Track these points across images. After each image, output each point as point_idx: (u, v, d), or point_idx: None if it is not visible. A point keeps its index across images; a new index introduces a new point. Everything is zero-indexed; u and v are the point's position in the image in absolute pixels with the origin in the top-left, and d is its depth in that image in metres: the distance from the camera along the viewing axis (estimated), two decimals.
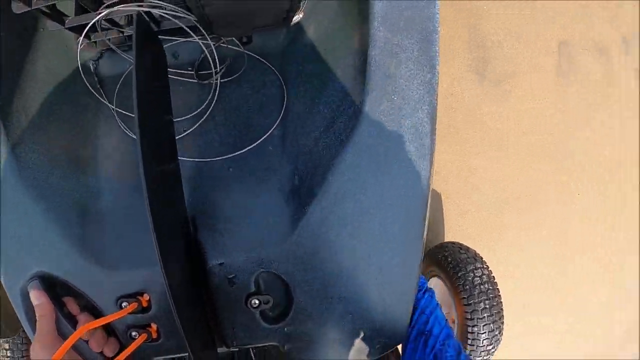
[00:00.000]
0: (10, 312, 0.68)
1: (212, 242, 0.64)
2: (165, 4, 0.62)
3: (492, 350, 1.22)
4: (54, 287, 0.64)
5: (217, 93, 0.70)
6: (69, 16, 0.65)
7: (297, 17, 0.68)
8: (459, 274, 1.25)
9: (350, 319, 0.64)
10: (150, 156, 0.49)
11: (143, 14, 0.62)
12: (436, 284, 1.44)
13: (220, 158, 0.67)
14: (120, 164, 0.70)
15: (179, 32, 0.67)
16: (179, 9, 0.63)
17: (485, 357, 1.23)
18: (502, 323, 1.22)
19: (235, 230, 0.64)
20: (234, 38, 0.70)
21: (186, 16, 0.64)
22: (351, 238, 0.61)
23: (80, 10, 0.66)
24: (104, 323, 0.60)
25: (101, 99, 0.72)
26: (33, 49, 0.71)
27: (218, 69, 0.69)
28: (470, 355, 1.20)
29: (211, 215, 0.65)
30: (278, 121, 0.67)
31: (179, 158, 0.64)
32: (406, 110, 0.59)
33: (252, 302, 0.63)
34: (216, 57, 0.68)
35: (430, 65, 0.59)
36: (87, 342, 0.62)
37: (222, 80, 0.70)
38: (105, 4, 0.63)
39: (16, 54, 0.68)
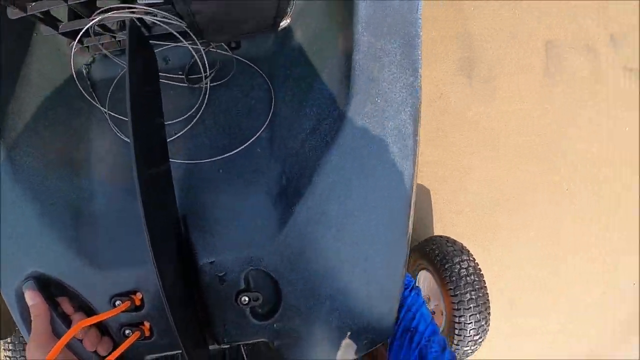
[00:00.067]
0: (6, 312, 0.70)
1: (202, 241, 0.67)
2: (156, 10, 0.65)
3: (479, 340, 1.26)
4: (49, 288, 0.66)
5: (206, 97, 0.73)
6: (62, 21, 0.68)
7: (284, 23, 0.71)
8: (446, 266, 1.30)
9: (338, 315, 0.67)
10: (143, 159, 0.52)
11: (135, 20, 0.66)
12: (425, 277, 1.48)
13: (210, 160, 0.70)
14: (113, 167, 0.72)
15: (169, 37, 0.70)
16: (170, 15, 0.66)
17: (472, 347, 1.27)
18: (489, 313, 1.26)
19: (225, 230, 0.67)
20: (223, 43, 0.73)
21: (177, 22, 0.67)
22: (337, 237, 0.64)
23: (73, 15, 0.69)
24: (98, 320, 0.62)
25: (94, 103, 0.75)
26: (27, 53, 0.74)
27: (208, 74, 0.72)
28: (458, 344, 1.25)
29: (202, 215, 0.68)
30: (266, 124, 0.70)
31: (170, 160, 0.67)
32: (389, 112, 0.62)
33: (242, 299, 0.66)
34: (206, 62, 0.72)
35: (412, 68, 0.63)
36: (81, 341, 0.64)
37: (211, 84, 0.73)
38: (99, 10, 0.66)
39: (13, 58, 0.70)
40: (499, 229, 1.91)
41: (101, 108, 0.74)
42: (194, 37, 0.69)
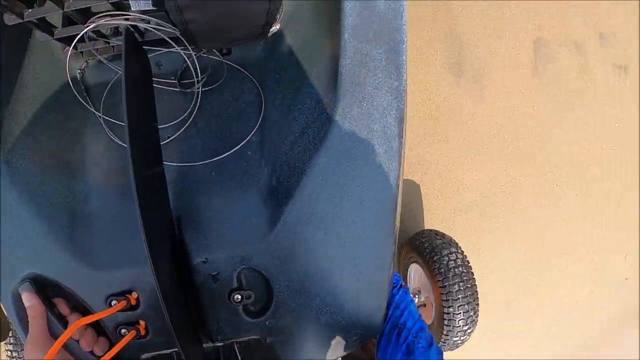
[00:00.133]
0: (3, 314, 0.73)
1: (196, 241, 0.69)
2: (150, 17, 0.68)
3: (469, 330, 1.30)
4: (45, 289, 0.68)
5: (198, 101, 0.76)
6: (57, 27, 0.71)
7: (273, 29, 0.75)
8: (435, 258, 1.35)
9: (328, 312, 0.70)
10: (139, 161, 0.55)
11: (130, 27, 0.69)
12: (416, 270, 1.53)
13: (202, 163, 0.73)
14: (107, 169, 0.75)
15: (162, 42, 0.73)
16: (164, 22, 0.69)
17: (462, 338, 1.31)
18: (477, 305, 1.31)
19: (217, 230, 0.70)
20: (214, 49, 0.77)
21: (170, 29, 0.70)
22: (326, 236, 0.67)
23: (67, 21, 0.72)
24: (95, 319, 0.65)
25: (88, 107, 0.78)
26: (22, 57, 0.76)
27: (200, 78, 0.75)
28: (447, 335, 1.29)
29: (195, 216, 0.71)
30: (256, 127, 0.73)
31: (164, 163, 0.70)
32: (375, 115, 0.65)
33: (235, 297, 0.69)
34: (197, 67, 0.75)
35: (397, 73, 0.66)
36: (77, 342, 0.67)
37: (203, 89, 0.76)
38: (94, 17, 0.69)
39: (9, 62, 0.73)
40: (483, 231, 1.94)
41: (95, 112, 0.77)
42: (186, 43, 0.72)
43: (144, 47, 0.72)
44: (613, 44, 2.15)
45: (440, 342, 1.36)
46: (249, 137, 0.73)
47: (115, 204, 0.72)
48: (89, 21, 0.69)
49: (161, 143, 0.71)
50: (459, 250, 1.39)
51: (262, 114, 0.74)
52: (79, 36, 0.69)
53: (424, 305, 1.52)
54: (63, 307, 0.68)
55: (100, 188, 0.74)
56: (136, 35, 0.72)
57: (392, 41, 0.66)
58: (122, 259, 0.68)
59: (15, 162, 0.70)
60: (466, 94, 1.95)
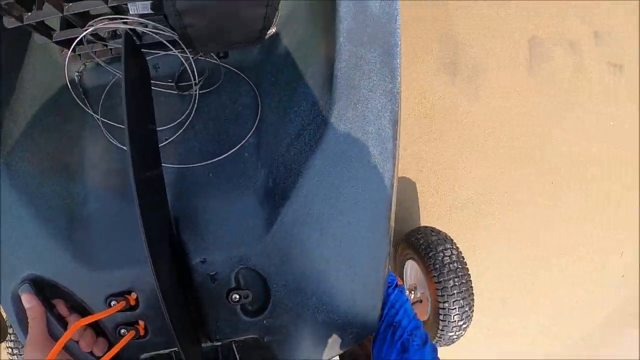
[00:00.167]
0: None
1: (194, 242, 0.71)
2: (149, 21, 0.70)
3: (464, 325, 1.33)
4: (44, 290, 0.69)
5: (196, 104, 0.78)
6: (55, 30, 0.72)
7: (270, 32, 0.76)
8: (430, 254, 1.37)
9: (324, 311, 0.72)
10: (139, 163, 0.56)
11: (128, 30, 0.70)
12: (412, 266, 1.55)
13: (200, 164, 0.75)
14: (105, 171, 0.76)
15: (159, 45, 0.74)
16: (162, 26, 0.70)
17: (457, 333, 1.33)
18: (472, 300, 1.33)
19: (215, 231, 0.71)
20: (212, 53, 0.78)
21: (168, 33, 0.71)
22: (322, 236, 0.69)
23: (65, 24, 0.73)
24: (95, 320, 0.66)
25: (86, 109, 0.79)
26: (21, 60, 0.77)
27: (197, 81, 0.77)
28: (443, 330, 1.31)
29: (193, 217, 0.72)
30: (253, 130, 0.75)
31: (163, 165, 0.71)
32: (370, 117, 0.67)
33: (233, 296, 0.70)
34: (195, 70, 0.76)
35: (391, 76, 0.68)
36: (77, 342, 0.68)
37: (200, 92, 0.78)
38: (93, 20, 0.70)
39: (8, 64, 0.74)
40: (479, 228, 1.96)
41: (93, 115, 0.78)
42: (183, 45, 0.74)
43: (141, 50, 0.74)
44: (608, 42, 2.17)
45: (436, 337, 1.39)
46: (245, 139, 0.75)
47: (114, 205, 0.74)
48: (88, 25, 0.70)
49: (159, 145, 0.73)
50: (454, 247, 1.41)
51: (258, 117, 0.76)
52: (77, 39, 0.71)
53: (420, 301, 1.53)
54: (62, 308, 0.69)
55: (98, 190, 0.76)
56: (134, 38, 0.74)
57: (386, 44, 0.68)
58: (121, 260, 0.70)
59: (14, 164, 0.71)
60: (461, 92, 1.97)
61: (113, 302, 0.68)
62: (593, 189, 2.10)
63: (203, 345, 0.74)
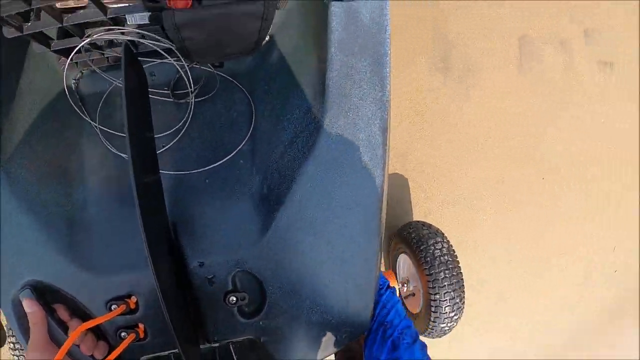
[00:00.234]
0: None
1: (191, 246, 0.74)
2: (146, 32, 0.73)
3: (455, 317, 1.37)
4: (44, 295, 0.71)
5: (192, 111, 0.81)
6: (53, 39, 0.74)
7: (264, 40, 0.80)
8: (421, 248, 1.41)
9: (318, 312, 0.75)
10: (138, 170, 0.59)
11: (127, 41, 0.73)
12: (404, 260, 1.60)
13: (196, 171, 0.78)
14: (104, 177, 0.79)
15: (155, 53, 0.77)
16: (160, 37, 0.73)
17: (449, 324, 1.39)
18: (463, 292, 1.38)
19: (212, 236, 0.74)
20: None
21: (165, 43, 0.74)
22: (315, 240, 0.72)
23: (63, 33, 0.76)
24: (97, 324, 0.68)
25: (84, 117, 0.82)
26: (19, 68, 0.79)
27: (193, 89, 0.80)
28: (435, 321, 1.36)
29: (190, 222, 0.75)
30: (247, 137, 0.78)
31: (160, 172, 0.74)
32: (360, 125, 0.71)
33: (230, 299, 0.74)
34: (190, 78, 0.79)
35: (381, 84, 0.72)
36: (78, 346, 0.70)
37: (196, 100, 0.81)
38: (91, 30, 0.73)
39: (7, 72, 0.76)
40: (480, 228, 2.00)
41: (91, 122, 0.81)
42: (178, 54, 0.77)
43: (138, 58, 0.77)
44: (598, 41, 2.23)
45: (428, 329, 1.43)
46: (240, 146, 0.78)
47: (113, 210, 0.76)
48: (86, 35, 0.73)
49: (157, 152, 0.75)
50: (445, 240, 1.45)
51: (252, 124, 0.79)
52: (76, 49, 0.73)
53: (413, 294, 1.58)
54: (63, 313, 0.71)
55: (97, 195, 0.78)
56: (130, 46, 0.77)
57: (376, 54, 0.72)
58: (120, 264, 0.72)
59: (13, 171, 0.73)
60: (453, 92, 2.01)
61: (113, 306, 0.71)
62: (593, 189, 2.14)
63: (201, 346, 0.77)
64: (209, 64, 0.81)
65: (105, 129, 0.81)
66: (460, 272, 1.39)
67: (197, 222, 0.76)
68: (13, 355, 1.21)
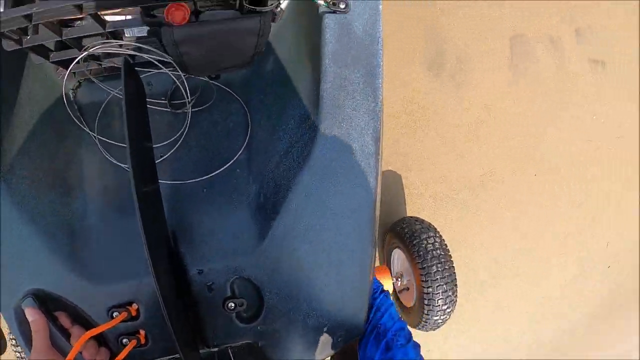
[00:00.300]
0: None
1: (190, 254, 0.77)
2: (143, 45, 0.75)
3: (448, 310, 1.42)
4: (46, 302, 0.73)
5: (189, 121, 0.83)
6: (52, 49, 0.76)
7: None
8: (414, 242, 1.45)
9: (315, 316, 0.78)
10: (140, 179, 0.62)
11: (126, 54, 0.75)
12: (398, 255, 1.64)
13: (193, 181, 0.80)
14: (103, 186, 0.81)
15: (152, 63, 0.79)
16: (157, 51, 0.76)
17: (442, 317, 1.43)
18: (455, 285, 1.42)
19: (211, 243, 0.77)
20: None
21: (163, 57, 0.77)
22: (311, 247, 0.75)
23: (60, 45, 0.77)
24: (100, 332, 0.70)
25: (83, 127, 0.84)
26: (18, 78, 0.81)
27: (190, 100, 0.83)
28: (428, 314, 1.40)
29: (189, 231, 0.78)
30: (243, 147, 0.81)
31: (159, 181, 0.77)
32: (353, 135, 0.73)
33: (229, 305, 0.76)
34: (187, 89, 0.82)
35: (374, 95, 0.74)
36: (80, 353, 0.70)
37: (193, 110, 0.83)
38: (89, 42, 0.75)
39: (6, 83, 0.78)
40: (477, 230, 2.03)
41: (90, 133, 0.84)
42: (175, 65, 0.79)
43: (135, 68, 0.79)
44: (590, 40, 2.27)
45: (422, 322, 1.46)
46: (237, 156, 0.81)
47: (112, 219, 0.79)
48: (84, 48, 0.75)
49: (156, 162, 0.78)
50: (437, 234, 1.49)
51: (248, 134, 0.82)
52: (75, 60, 0.75)
53: (407, 288, 1.61)
54: (65, 320, 0.73)
55: (96, 204, 0.81)
56: (130, 61, 0.79)
57: (369, 65, 0.74)
58: (121, 272, 0.75)
59: (14, 182, 0.75)
60: (445, 90, 2.04)
61: (115, 313, 0.73)
62: (592, 188, 2.16)
63: (201, 351, 0.80)
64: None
65: (104, 139, 0.83)
66: (453, 266, 1.43)
67: (195, 230, 0.78)
68: (15, 351, 1.23)
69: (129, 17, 0.71)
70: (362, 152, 0.74)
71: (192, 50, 0.64)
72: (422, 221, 1.58)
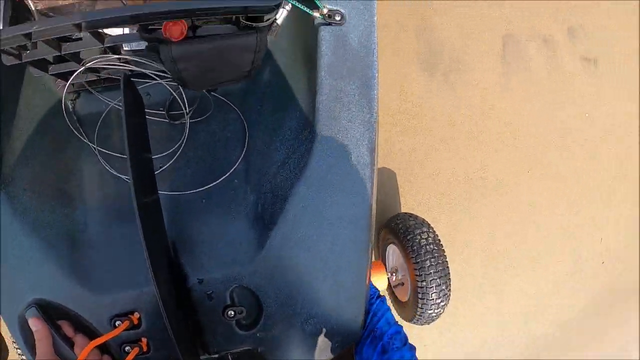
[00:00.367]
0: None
1: (190, 264, 0.79)
2: (141, 59, 0.77)
3: (442, 304, 1.45)
4: (49, 312, 0.75)
5: (187, 132, 0.85)
6: (51, 62, 0.77)
7: None
8: (408, 237, 1.48)
9: (312, 322, 0.81)
10: (140, 190, 0.63)
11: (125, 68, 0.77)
12: (393, 250, 1.67)
13: (192, 192, 0.82)
14: (103, 197, 0.83)
15: (149, 75, 0.81)
16: (155, 64, 0.77)
17: (436, 311, 1.46)
18: (449, 279, 1.45)
19: (210, 253, 0.79)
20: None
21: (167, 78, 0.78)
22: (309, 255, 0.77)
23: (58, 58, 0.79)
24: (104, 341, 0.72)
25: (82, 138, 0.85)
26: (17, 91, 0.83)
27: (188, 111, 0.84)
28: (423, 308, 1.43)
29: (188, 241, 0.80)
30: (241, 158, 0.83)
31: (159, 192, 0.79)
32: (349, 146, 0.75)
33: (229, 313, 0.79)
34: (185, 100, 0.84)
35: (369, 107, 0.76)
36: None
37: (191, 121, 0.85)
38: (87, 59, 0.77)
39: (7, 94, 0.79)
40: (473, 228, 2.06)
41: (90, 144, 0.85)
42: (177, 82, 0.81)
43: (133, 79, 0.80)
44: (582, 39, 2.30)
45: (417, 316, 1.49)
46: (234, 167, 0.83)
47: (113, 230, 0.81)
48: (82, 62, 0.77)
49: (155, 172, 0.80)
50: (430, 230, 1.52)
51: (246, 145, 0.83)
52: (76, 73, 0.77)
53: (402, 284, 1.64)
54: (68, 329, 0.75)
55: (97, 215, 0.82)
56: (129, 76, 0.80)
57: (364, 77, 0.76)
58: (122, 282, 0.77)
59: (16, 194, 0.77)
60: (439, 88, 2.06)
61: (117, 322, 0.75)
62: (592, 188, 2.19)
63: (201, 357, 0.82)
64: None
65: (103, 150, 0.85)
66: (446, 260, 1.46)
67: (195, 240, 0.80)
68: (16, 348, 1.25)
69: (127, 31, 0.72)
70: (357, 163, 0.76)
71: (190, 66, 0.65)
72: (416, 217, 1.61)
